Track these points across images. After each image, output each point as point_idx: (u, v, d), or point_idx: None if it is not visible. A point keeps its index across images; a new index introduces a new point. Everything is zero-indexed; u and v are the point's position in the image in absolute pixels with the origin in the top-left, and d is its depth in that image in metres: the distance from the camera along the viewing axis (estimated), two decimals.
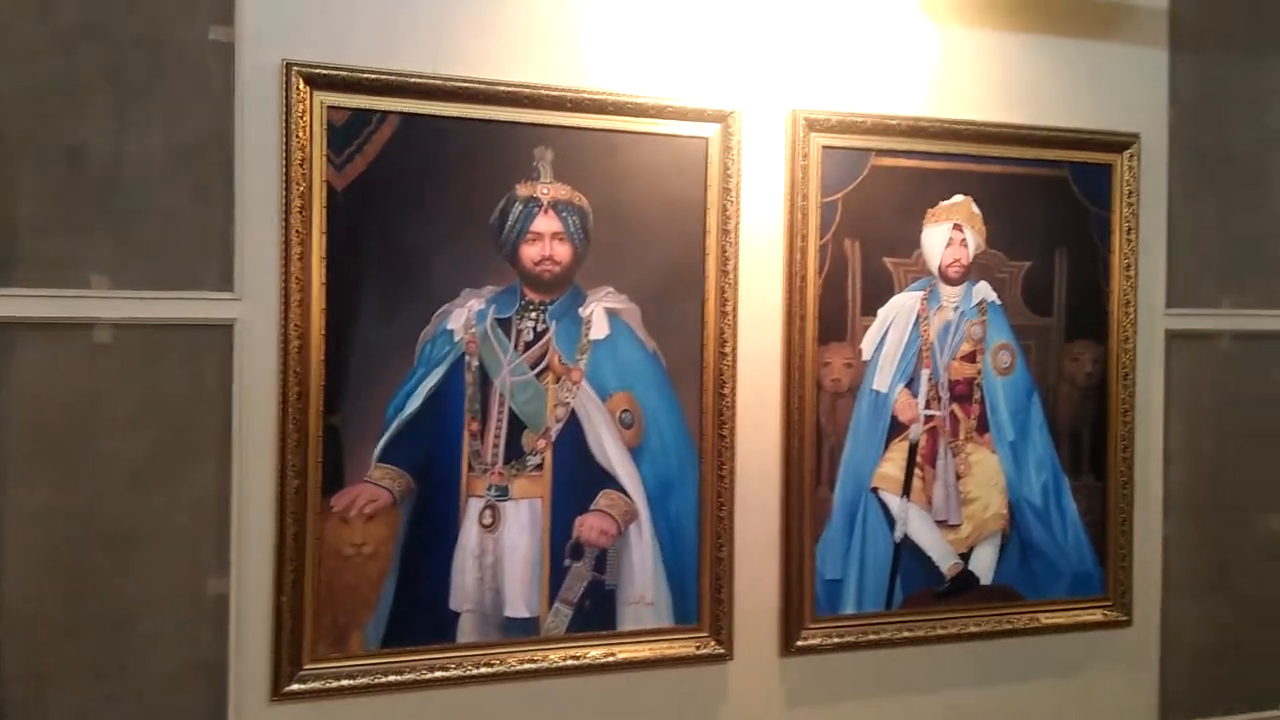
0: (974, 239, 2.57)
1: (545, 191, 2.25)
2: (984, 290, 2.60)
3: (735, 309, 2.37)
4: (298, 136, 2.07)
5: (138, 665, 2.04)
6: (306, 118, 2.08)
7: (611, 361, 2.31)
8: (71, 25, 1.98)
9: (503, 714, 2.26)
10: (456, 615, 2.21)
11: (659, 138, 2.31)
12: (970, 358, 2.59)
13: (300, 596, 2.09)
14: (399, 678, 2.15)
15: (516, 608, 2.24)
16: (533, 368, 2.26)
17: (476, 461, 2.22)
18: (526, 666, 2.23)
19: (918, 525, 2.55)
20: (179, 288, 2.04)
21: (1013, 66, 2.61)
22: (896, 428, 2.53)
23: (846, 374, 2.49)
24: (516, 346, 2.25)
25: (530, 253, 2.24)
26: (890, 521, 2.53)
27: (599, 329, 2.30)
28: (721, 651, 2.37)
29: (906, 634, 2.52)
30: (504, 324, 2.24)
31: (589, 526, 2.29)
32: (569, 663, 2.26)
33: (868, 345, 2.50)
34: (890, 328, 2.52)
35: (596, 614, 2.30)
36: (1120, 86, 2.70)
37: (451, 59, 2.19)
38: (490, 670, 2.21)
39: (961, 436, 2.58)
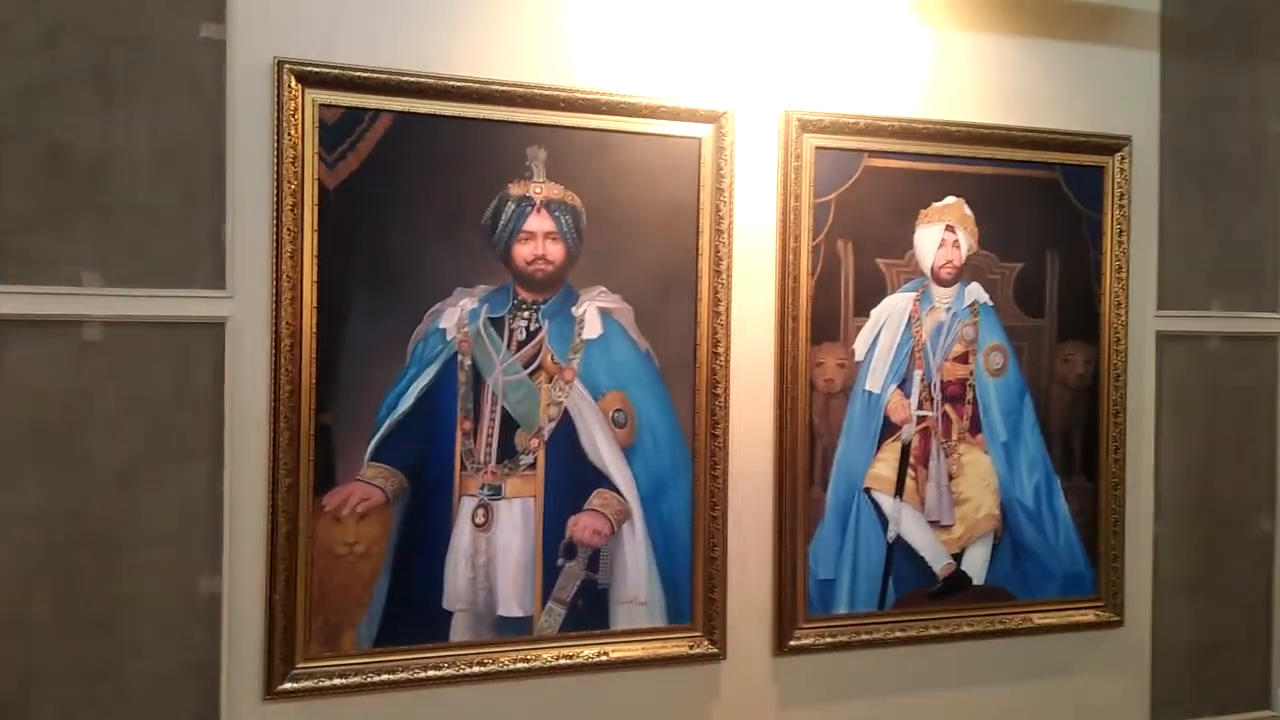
0: (966, 240, 2.58)
1: (538, 191, 2.25)
2: (976, 291, 2.60)
3: (728, 309, 2.37)
4: (289, 134, 2.06)
5: (129, 665, 2.03)
6: (298, 116, 2.07)
7: (604, 361, 2.31)
8: (61, 23, 1.97)
9: (496, 713, 2.25)
10: (449, 614, 2.21)
11: (652, 138, 2.32)
12: (962, 359, 2.60)
13: (293, 596, 2.09)
14: (392, 677, 2.15)
15: (509, 607, 2.24)
16: (525, 367, 2.26)
17: (469, 460, 2.22)
18: (519, 666, 2.23)
19: (910, 525, 2.55)
20: (170, 286, 2.04)
21: (1005, 69, 2.62)
22: (889, 428, 2.54)
23: (839, 374, 2.49)
24: (509, 346, 2.25)
25: (523, 252, 2.24)
26: (883, 522, 2.53)
27: (592, 328, 2.30)
28: (714, 651, 2.37)
29: (899, 634, 2.53)
30: (497, 323, 2.24)
31: (582, 526, 2.29)
32: (562, 662, 2.26)
33: (860, 346, 2.51)
34: (883, 328, 2.53)
35: (589, 613, 2.30)
36: (1112, 89, 2.71)
37: (444, 58, 2.19)
38: (483, 669, 2.21)
39: (954, 437, 2.59)
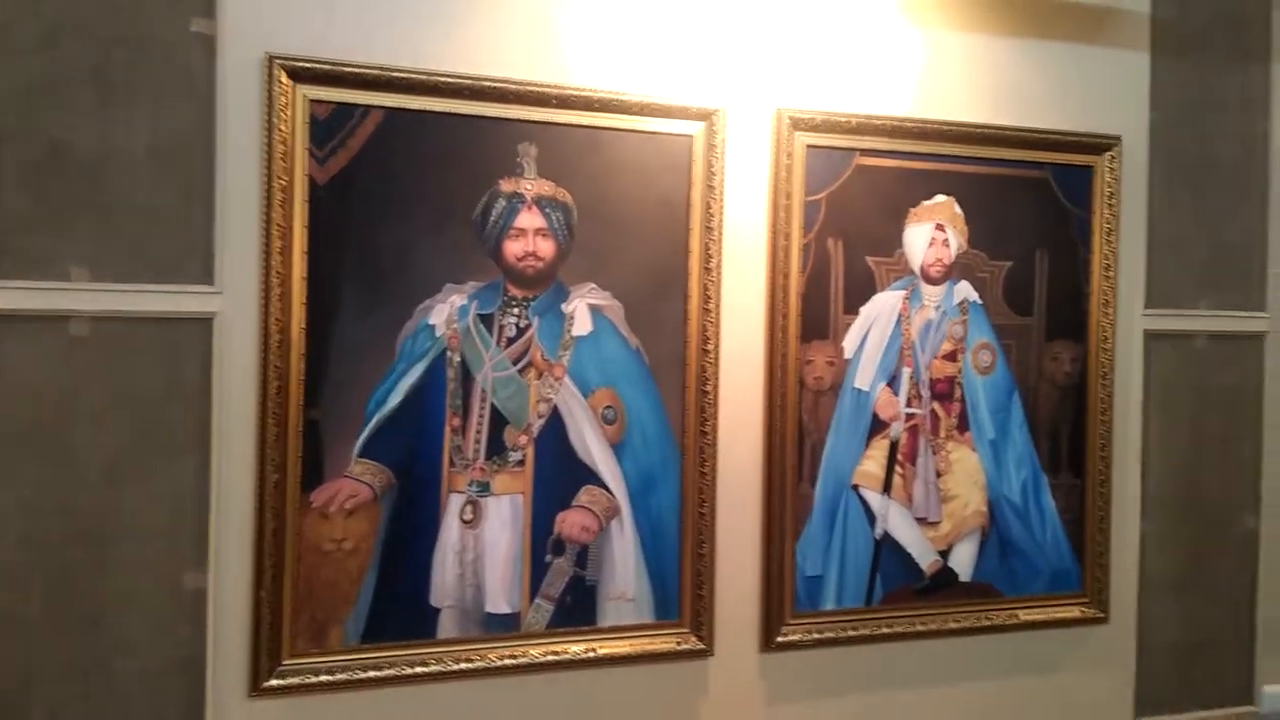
0: (956, 239, 2.59)
1: (529, 187, 2.24)
2: (965, 290, 2.61)
3: (718, 306, 2.37)
4: (280, 130, 2.06)
5: (116, 662, 2.02)
6: (289, 111, 2.07)
7: (594, 358, 2.31)
8: (53, 20, 1.96)
9: (483, 710, 2.26)
10: (437, 611, 2.21)
11: (643, 135, 2.31)
12: (951, 356, 2.61)
13: (279, 592, 2.09)
14: (379, 673, 2.15)
15: (497, 603, 2.25)
16: (515, 363, 2.26)
17: (458, 457, 2.22)
18: (507, 662, 2.23)
19: (898, 522, 2.56)
20: (159, 281, 2.03)
21: (996, 68, 2.63)
22: (878, 425, 2.55)
23: (828, 372, 2.50)
24: (499, 342, 2.24)
25: (513, 248, 2.24)
26: (871, 518, 2.54)
27: (582, 325, 2.29)
28: (702, 647, 2.38)
29: (886, 630, 2.54)
30: (486, 320, 2.24)
31: (570, 522, 2.29)
32: (550, 658, 2.27)
33: (850, 343, 2.51)
34: (872, 326, 2.53)
35: (577, 610, 2.30)
36: (1102, 89, 2.72)
37: (436, 54, 2.18)
38: (471, 666, 2.21)
39: (942, 434, 2.60)
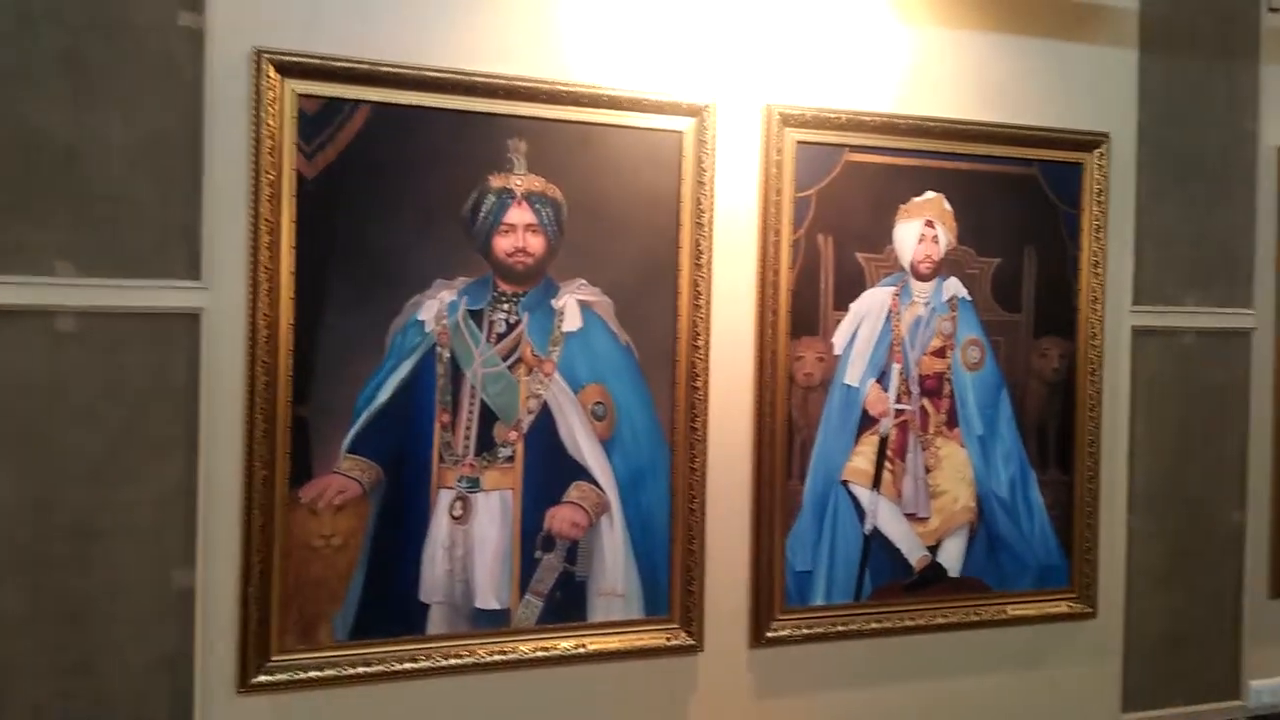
0: (945, 235, 2.59)
1: (519, 183, 2.24)
2: (954, 286, 2.62)
3: (708, 302, 2.37)
4: (268, 125, 2.05)
5: (101, 658, 2.01)
6: (277, 106, 2.05)
7: (584, 353, 2.30)
8: (37, 10, 1.94)
9: (472, 706, 2.26)
10: (426, 607, 2.20)
11: (633, 130, 2.31)
12: (940, 353, 2.61)
13: (268, 588, 2.08)
14: (368, 669, 2.15)
15: (487, 599, 2.24)
16: (505, 359, 2.25)
17: (447, 453, 2.21)
18: (496, 658, 2.23)
19: (887, 518, 2.57)
20: (145, 276, 2.01)
21: (985, 65, 2.63)
22: (867, 421, 2.55)
23: (818, 368, 2.50)
24: (488, 338, 2.24)
25: (503, 244, 2.23)
26: (860, 514, 2.54)
27: (572, 321, 2.29)
28: (692, 643, 2.38)
29: (875, 625, 2.54)
30: (476, 315, 2.23)
31: (560, 518, 2.29)
32: (539, 654, 2.26)
33: (839, 340, 2.52)
34: (862, 322, 2.54)
35: (567, 606, 2.30)
36: (1090, 86, 2.72)
37: (425, 49, 2.17)
38: (460, 662, 2.21)
39: (931, 430, 2.60)
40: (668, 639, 2.37)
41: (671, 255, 2.35)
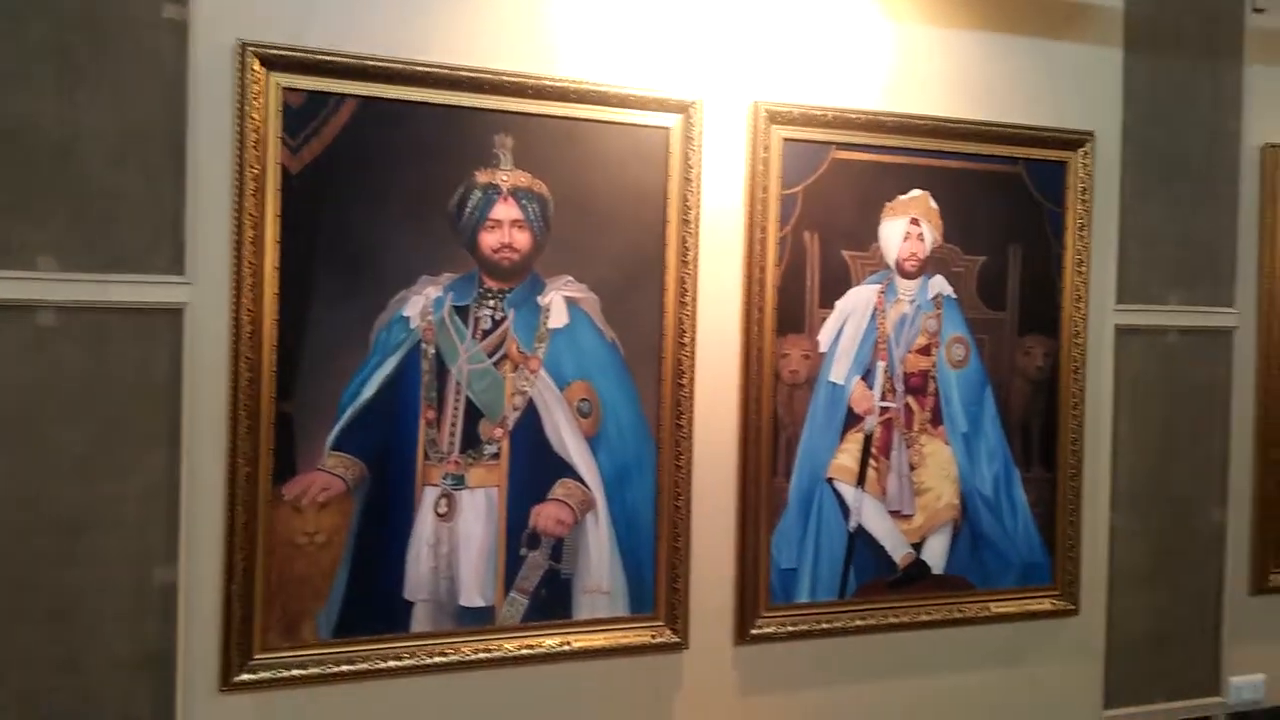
0: (930, 233, 2.60)
1: (505, 179, 2.23)
2: (939, 284, 2.62)
3: (694, 299, 2.37)
4: (252, 118, 2.03)
5: (83, 655, 1.99)
6: (262, 99, 2.04)
7: (570, 350, 2.30)
8: (20, 2, 1.92)
9: (457, 704, 2.25)
10: (410, 604, 2.19)
11: (620, 126, 2.31)
12: (925, 350, 2.62)
13: (251, 586, 2.07)
14: (351, 667, 2.14)
15: (471, 597, 2.24)
16: (490, 356, 2.24)
17: (432, 450, 2.20)
18: (481, 656, 2.23)
19: (871, 515, 2.57)
20: (128, 271, 2.00)
21: (971, 64, 2.64)
22: (852, 419, 2.55)
23: (804, 365, 2.50)
24: (474, 334, 2.23)
25: (489, 240, 2.23)
26: (845, 511, 2.55)
27: (558, 318, 2.29)
28: (677, 640, 2.38)
29: (859, 623, 2.55)
30: (461, 312, 2.22)
31: (545, 515, 2.29)
32: (524, 652, 2.26)
33: (825, 337, 2.52)
34: (847, 320, 2.54)
35: (552, 603, 2.30)
36: (1076, 85, 2.74)
37: (411, 43, 2.16)
38: (444, 660, 2.20)
39: (916, 428, 2.61)
40: (653, 636, 2.37)
41: (658, 252, 2.35)
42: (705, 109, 2.37)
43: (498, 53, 2.22)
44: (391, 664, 2.16)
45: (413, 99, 2.15)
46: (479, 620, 2.24)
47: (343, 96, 2.10)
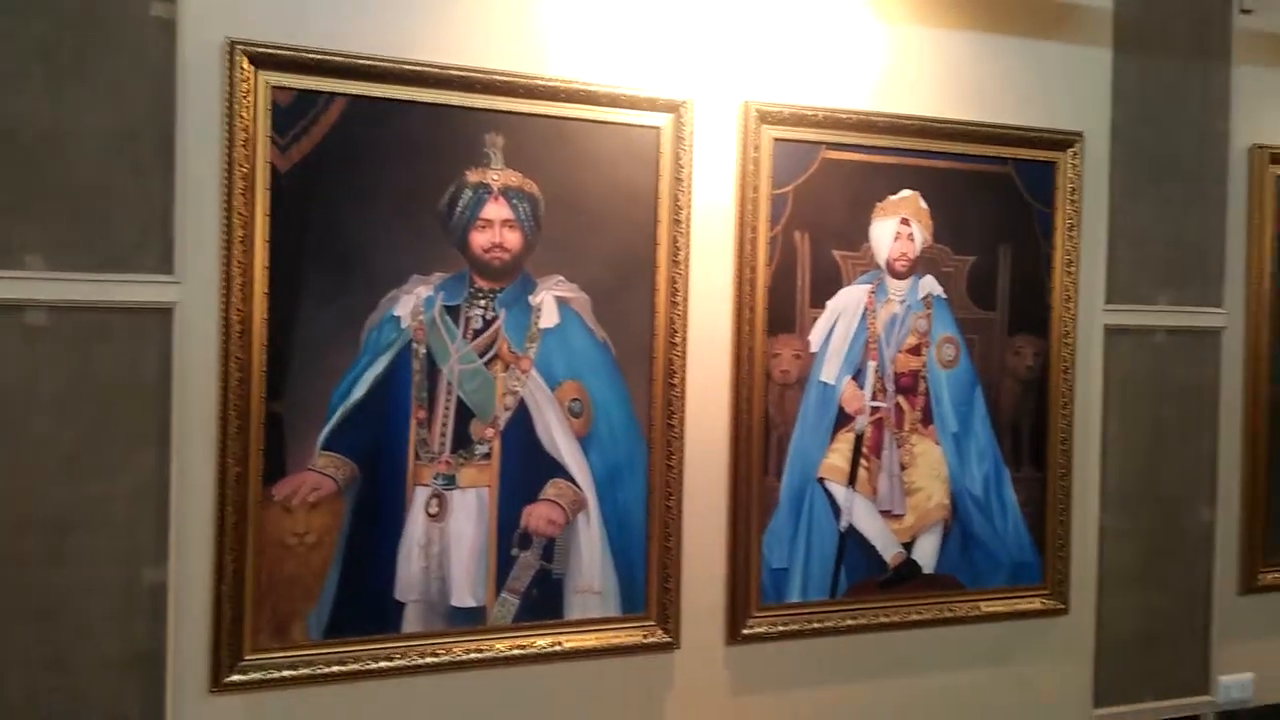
0: (920, 233, 2.60)
1: (496, 178, 2.23)
2: (930, 284, 2.63)
3: (685, 299, 2.37)
4: (241, 117, 2.02)
5: (72, 656, 1.98)
6: (250, 98, 2.03)
7: (561, 350, 2.30)
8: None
9: (448, 704, 2.24)
10: (402, 605, 2.19)
11: (611, 126, 2.30)
12: (915, 350, 2.63)
13: (241, 586, 2.06)
14: (342, 668, 2.13)
15: (463, 597, 2.23)
16: (481, 356, 2.24)
17: (423, 450, 2.20)
18: (472, 656, 2.22)
19: (862, 515, 2.58)
20: (117, 270, 1.99)
21: (960, 64, 2.65)
22: (843, 419, 2.56)
23: (795, 365, 2.50)
24: (465, 334, 2.23)
25: (480, 240, 2.22)
26: (836, 511, 2.55)
27: (549, 317, 2.28)
28: (668, 640, 2.38)
29: (850, 622, 2.55)
30: (452, 311, 2.22)
31: (537, 516, 2.28)
32: (515, 652, 2.26)
33: (816, 337, 2.52)
34: (838, 320, 2.54)
35: (544, 603, 2.29)
36: (1065, 85, 2.75)
37: (402, 42, 2.16)
38: (436, 660, 2.19)
39: (906, 428, 2.62)
40: (644, 636, 2.36)
41: (649, 252, 2.34)
42: (696, 109, 2.37)
43: (488, 52, 2.22)
44: (382, 665, 2.15)
45: (403, 98, 2.14)
46: (470, 620, 2.24)
47: (332, 95, 2.10)
